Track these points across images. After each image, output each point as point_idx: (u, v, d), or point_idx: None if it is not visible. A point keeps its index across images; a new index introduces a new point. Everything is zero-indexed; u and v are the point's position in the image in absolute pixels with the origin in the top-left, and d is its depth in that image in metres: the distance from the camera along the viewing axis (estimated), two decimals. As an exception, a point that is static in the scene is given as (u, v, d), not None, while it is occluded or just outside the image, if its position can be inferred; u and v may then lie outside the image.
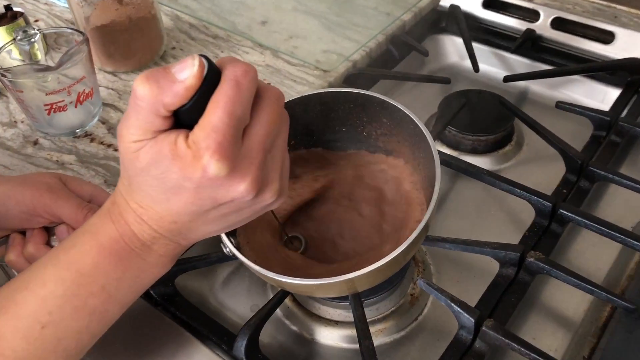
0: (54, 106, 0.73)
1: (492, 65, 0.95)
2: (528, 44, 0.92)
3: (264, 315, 0.57)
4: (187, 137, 0.36)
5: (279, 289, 0.59)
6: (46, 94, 0.72)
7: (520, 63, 0.93)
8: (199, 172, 0.35)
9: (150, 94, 0.34)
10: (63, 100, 0.73)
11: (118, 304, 0.44)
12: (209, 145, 0.35)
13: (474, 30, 0.95)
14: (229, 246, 0.52)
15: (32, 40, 0.76)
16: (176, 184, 0.37)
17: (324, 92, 0.60)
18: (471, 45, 0.90)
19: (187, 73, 0.35)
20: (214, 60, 0.37)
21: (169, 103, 0.35)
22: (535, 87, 0.92)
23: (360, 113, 0.61)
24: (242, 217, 0.41)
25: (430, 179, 0.53)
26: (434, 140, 0.54)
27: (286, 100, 0.59)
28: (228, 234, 0.54)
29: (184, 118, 0.37)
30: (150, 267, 0.43)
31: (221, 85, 0.35)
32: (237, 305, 0.65)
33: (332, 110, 0.61)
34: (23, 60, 0.77)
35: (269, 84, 0.40)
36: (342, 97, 0.60)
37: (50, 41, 0.81)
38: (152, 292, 0.62)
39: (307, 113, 0.61)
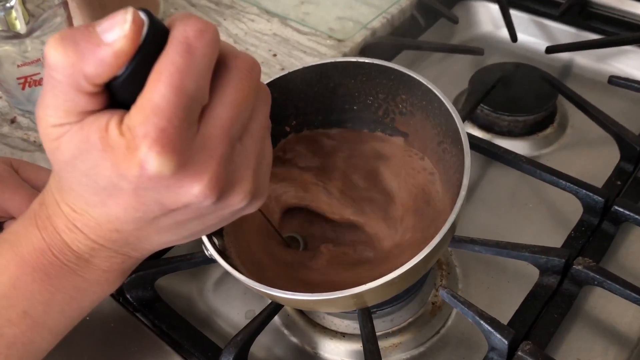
0: (28, 79, 0.65)
1: (532, 35, 0.85)
2: (575, 10, 0.81)
3: (254, 329, 0.48)
4: (122, 120, 0.27)
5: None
6: (18, 66, 0.63)
7: (565, 32, 0.83)
8: (135, 168, 0.26)
9: (66, 62, 0.25)
10: (39, 73, 0.65)
11: (48, 333, 0.36)
12: (148, 132, 0.26)
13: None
14: (209, 249, 0.43)
15: (8, 5, 0.67)
16: (110, 183, 0.28)
17: (332, 62, 0.51)
18: (508, 11, 0.80)
19: (116, 33, 0.25)
20: None
21: (93, 74, 0.26)
22: (582, 59, 0.81)
23: (375, 88, 0.52)
24: (208, 225, 0.32)
25: (457, 168, 0.45)
26: (463, 122, 0.44)
27: (286, 72, 0.50)
28: (211, 234, 0.45)
29: (120, 95, 0.28)
30: (90, 286, 0.34)
31: (166, 50, 0.26)
32: (231, 311, 0.57)
33: (341, 85, 0.52)
34: None
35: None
36: (353, 68, 0.51)
37: (33, 7, 0.73)
38: (129, 295, 0.53)
39: (312, 87, 0.52)
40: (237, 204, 0.31)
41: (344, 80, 0.52)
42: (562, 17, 0.81)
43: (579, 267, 0.50)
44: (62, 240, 0.32)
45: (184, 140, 0.27)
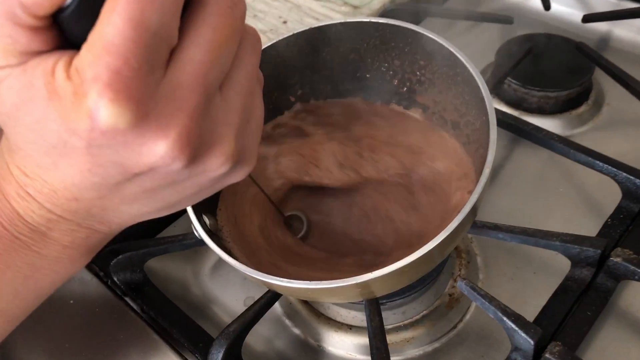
0: None
1: (565, 4, 0.78)
2: (615, -25, 0.74)
3: (249, 319, 0.44)
4: (71, 62, 0.22)
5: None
6: None
7: (603, 1, 0.76)
8: (84, 120, 0.22)
9: None
10: None
11: (0, 317, 0.31)
12: (98, 74, 0.21)
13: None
14: (198, 229, 0.39)
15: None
16: (60, 140, 0.23)
17: (341, 23, 0.45)
18: None
19: None
20: None
21: (31, 2, 0.20)
22: (621, 31, 0.74)
23: (390, 53, 0.47)
24: (186, 194, 0.27)
25: (481, 143, 0.40)
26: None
27: (290, 34, 0.44)
28: (202, 211, 0.40)
29: (71, 31, 0.23)
30: (48, 264, 0.30)
31: None
32: (229, 298, 0.53)
33: (352, 50, 0.47)
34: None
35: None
36: (365, 29, 0.45)
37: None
38: (116, 278, 0.49)
39: (320, 53, 0.47)
40: (216, 168, 0.26)
41: (355, 44, 0.46)
42: (600, -16, 0.74)
43: (617, 259, 0.45)
44: (13, 209, 0.27)
45: (144, 86, 0.22)
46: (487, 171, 0.36)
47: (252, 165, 0.28)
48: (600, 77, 0.66)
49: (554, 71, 0.65)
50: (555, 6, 0.75)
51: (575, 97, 0.65)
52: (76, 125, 0.22)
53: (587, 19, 0.69)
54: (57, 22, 0.22)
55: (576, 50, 0.65)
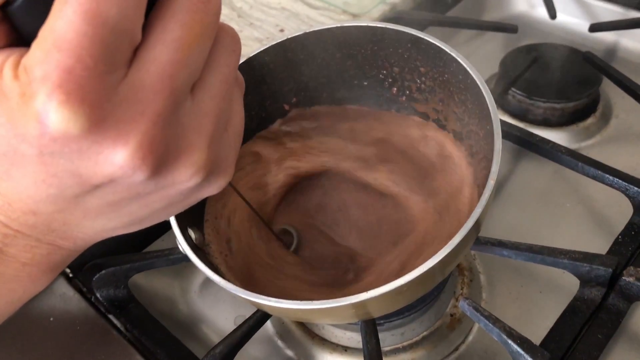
0: None
1: (571, 14, 0.76)
2: (622, -15, 0.72)
3: (237, 340, 0.41)
4: (20, 61, 0.19)
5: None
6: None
7: (609, 12, 0.74)
8: (33, 125, 0.19)
9: None
10: None
11: None
12: (48, 73, 0.19)
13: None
14: (181, 244, 0.36)
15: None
16: (9, 146, 0.21)
17: (337, 27, 0.43)
18: None
19: None
20: None
21: None
22: (629, 42, 0.73)
23: (388, 60, 0.44)
24: (153, 208, 0.25)
25: (484, 155, 0.38)
26: (494, 104, 0.37)
27: (284, 39, 0.42)
28: (187, 224, 0.38)
29: (22, 26, 0.20)
30: (5, 283, 0.27)
31: None
32: (218, 316, 0.51)
33: (349, 56, 0.45)
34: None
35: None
36: (363, 34, 0.43)
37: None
38: (99, 294, 0.46)
39: (315, 59, 0.45)
40: (186, 180, 0.23)
41: (352, 50, 0.44)
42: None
43: (630, 279, 0.42)
44: None
45: (101, 88, 0.19)
46: (491, 183, 0.34)
47: (229, 177, 0.26)
48: (608, 89, 0.64)
49: (560, 82, 0.63)
50: (561, 16, 0.73)
51: (582, 109, 0.63)
52: (24, 130, 0.20)
53: (594, 28, 0.67)
54: (7, 16, 0.20)
55: (583, 60, 0.63)
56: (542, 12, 0.74)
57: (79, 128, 0.19)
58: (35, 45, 0.19)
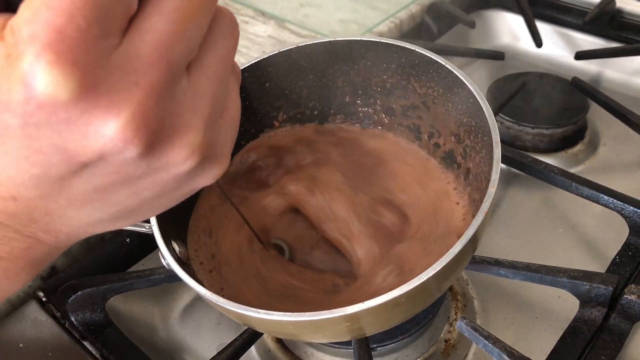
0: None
1: (557, 46, 0.77)
2: (604, 19, 0.73)
3: None
4: (6, 24, 0.18)
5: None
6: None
7: (593, 44, 0.75)
8: (18, 88, 0.18)
9: None
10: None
11: None
12: (36, 33, 0.17)
13: (533, 4, 0.77)
14: (165, 255, 0.34)
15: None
16: None
17: (329, 41, 0.42)
18: (531, 16, 0.72)
19: None
20: None
21: None
22: (612, 73, 0.73)
23: (381, 75, 0.43)
24: (143, 197, 0.23)
25: (478, 175, 0.38)
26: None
27: (275, 52, 0.41)
28: (171, 237, 0.36)
29: None
30: None
31: None
32: (200, 343, 0.48)
33: (341, 72, 0.44)
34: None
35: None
36: (355, 48, 0.42)
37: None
38: (73, 318, 0.43)
39: (306, 74, 0.44)
40: (180, 162, 0.21)
41: (344, 66, 0.43)
42: (590, 27, 0.74)
43: (632, 297, 0.41)
44: None
45: (93, 52, 0.18)
46: (491, 191, 0.33)
47: (224, 166, 0.24)
48: (595, 117, 0.64)
49: (548, 109, 0.64)
50: (545, 47, 0.73)
51: (570, 135, 0.62)
52: (8, 96, 0.18)
53: (579, 56, 0.67)
54: None
55: (570, 88, 0.63)
56: (526, 44, 0.75)
57: (69, 93, 0.17)
58: (24, 5, 0.17)
